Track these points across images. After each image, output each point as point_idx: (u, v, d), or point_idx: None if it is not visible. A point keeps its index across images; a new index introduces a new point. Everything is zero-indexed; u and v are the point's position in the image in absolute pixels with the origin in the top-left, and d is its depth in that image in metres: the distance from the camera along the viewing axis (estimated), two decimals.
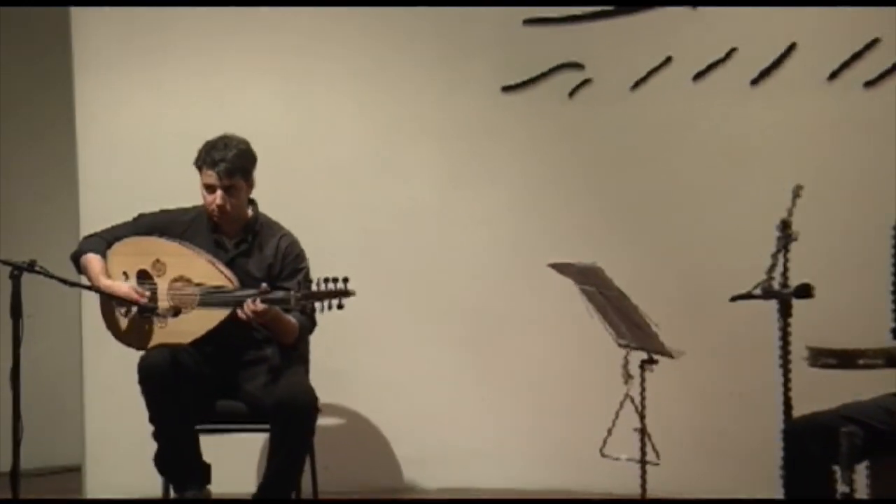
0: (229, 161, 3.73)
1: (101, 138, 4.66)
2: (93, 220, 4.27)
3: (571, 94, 4.57)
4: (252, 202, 3.92)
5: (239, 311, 3.60)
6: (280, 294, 3.60)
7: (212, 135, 3.84)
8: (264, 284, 3.63)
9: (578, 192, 4.59)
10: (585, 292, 3.60)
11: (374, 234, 4.63)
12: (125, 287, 3.74)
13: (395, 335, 4.62)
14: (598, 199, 4.58)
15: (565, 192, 4.60)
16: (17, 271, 3.40)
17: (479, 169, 4.63)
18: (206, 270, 3.72)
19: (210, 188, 3.77)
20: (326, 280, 3.55)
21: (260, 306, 3.58)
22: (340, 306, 3.53)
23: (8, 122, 5.03)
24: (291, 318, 3.71)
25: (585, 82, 4.56)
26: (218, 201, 3.75)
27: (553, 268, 3.60)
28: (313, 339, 3.95)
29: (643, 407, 3.51)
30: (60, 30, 4.67)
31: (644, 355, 3.52)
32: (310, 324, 3.80)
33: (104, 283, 3.75)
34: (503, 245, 4.61)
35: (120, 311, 3.79)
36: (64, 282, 3.53)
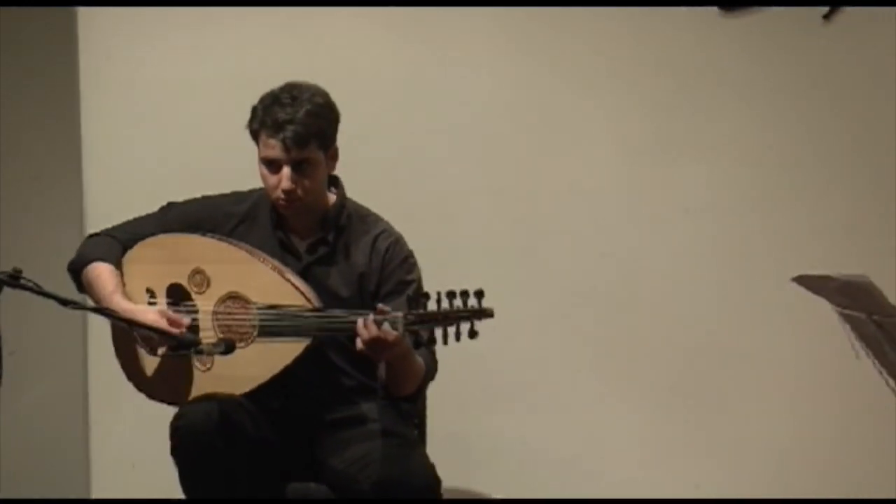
0: (300, 122, 3.72)
1: (114, 93, 4.74)
2: (102, 212, 4.37)
3: (828, 15, 4.52)
4: (335, 183, 3.91)
5: (358, 339, 3.57)
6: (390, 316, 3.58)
7: (273, 83, 3.81)
8: (380, 305, 3.61)
9: (838, 166, 4.57)
10: (849, 319, 3.55)
11: (526, 230, 4.65)
12: (152, 312, 3.72)
13: (559, 382, 4.62)
14: (869, 177, 4.54)
15: (817, 165, 4.57)
16: None
17: (684, 132, 4.61)
18: (272, 284, 3.71)
19: (272, 164, 3.76)
20: (451, 295, 3.48)
21: (392, 333, 3.54)
22: (473, 334, 3.46)
23: None
24: (418, 357, 3.73)
25: None
26: (285, 183, 3.74)
27: (800, 283, 3.58)
28: (429, 388, 3.92)
29: None
30: None
31: None
32: (434, 365, 3.82)
33: (121, 305, 3.74)
34: (722, 247, 4.61)
35: (144, 347, 3.78)
36: (62, 301, 3.50)
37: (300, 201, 3.77)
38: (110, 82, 4.78)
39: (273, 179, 3.76)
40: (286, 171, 3.73)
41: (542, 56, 4.63)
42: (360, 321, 3.55)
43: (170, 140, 4.71)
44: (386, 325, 3.53)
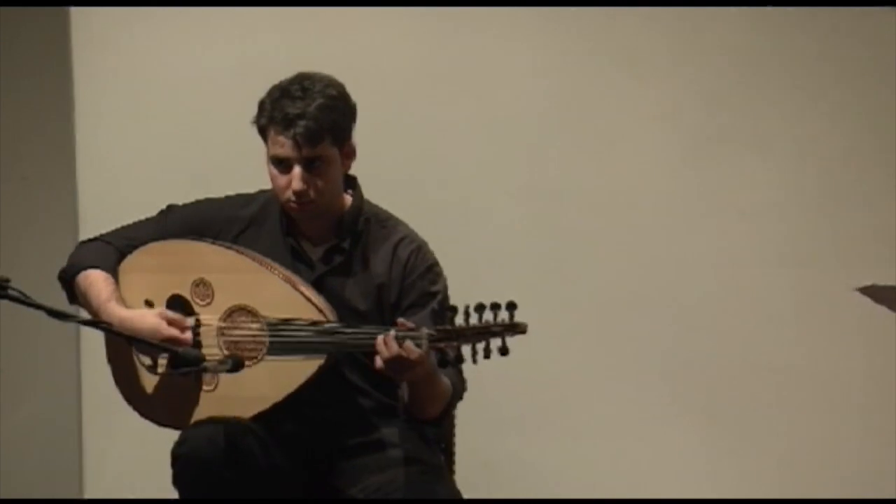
0: (312, 117, 3.66)
1: (110, 89, 4.79)
2: (97, 215, 4.39)
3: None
4: (352, 184, 3.86)
5: (378, 357, 3.53)
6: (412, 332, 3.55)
7: (282, 75, 3.76)
8: (401, 319, 3.58)
9: None
10: None
11: (562, 236, 4.69)
12: (151, 315, 3.69)
13: (599, 404, 4.63)
14: None
15: (887, 166, 4.57)
16: None
17: (739, 127, 4.63)
18: (282, 296, 3.66)
19: (282, 162, 3.70)
20: (480, 308, 3.43)
21: (415, 350, 3.48)
22: (504, 351, 3.42)
23: None
24: (444, 377, 3.68)
25: None
26: (296, 184, 3.68)
27: (866, 293, 3.57)
28: (456, 410, 3.88)
29: None
30: None
31: None
32: (462, 385, 3.77)
33: (117, 312, 3.70)
34: (782, 254, 4.62)
35: (142, 362, 3.74)
36: (54, 314, 3.42)
37: (313, 204, 3.71)
38: (106, 77, 4.84)
39: (283, 180, 3.70)
40: (297, 170, 3.67)
41: (580, 42, 4.65)
42: (379, 337, 3.51)
43: (170, 138, 4.75)
44: (408, 342, 3.49)
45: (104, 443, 4.67)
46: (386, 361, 3.50)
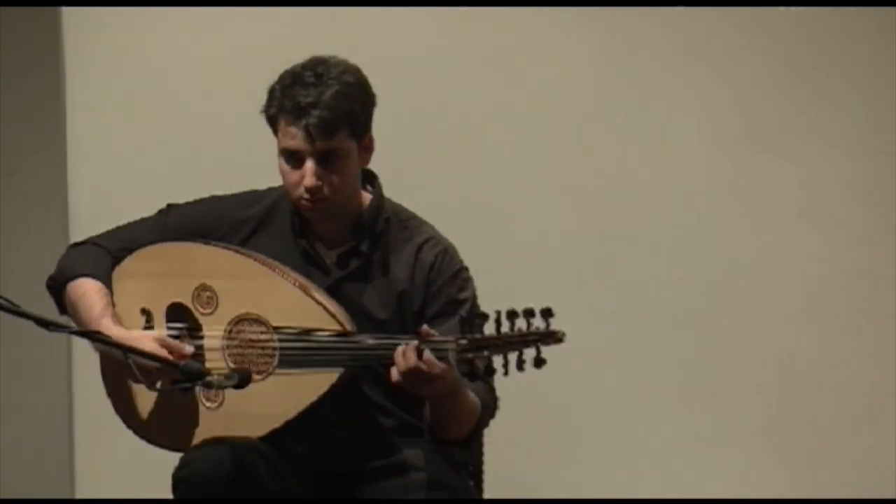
0: (327, 106, 3.57)
1: (104, 76, 4.81)
2: (89, 215, 4.43)
3: None
4: (371, 180, 3.80)
5: (394, 369, 3.44)
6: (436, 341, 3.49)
7: (294, 60, 3.69)
8: (425, 327, 3.50)
9: None
10: None
11: (602, 238, 4.71)
12: (148, 339, 3.59)
13: (641, 421, 4.65)
14: None
15: None
16: None
17: (798, 121, 4.67)
18: (294, 303, 3.60)
19: (293, 156, 3.63)
20: (512, 315, 3.35)
21: (436, 364, 3.39)
22: (539, 362, 3.33)
23: None
24: (471, 393, 3.60)
25: None
26: (308, 180, 3.60)
27: None
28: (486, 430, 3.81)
29: None
30: None
31: None
32: (493, 402, 3.69)
33: (110, 331, 3.62)
34: (845, 257, 4.65)
35: (142, 381, 3.59)
36: (43, 323, 3.35)
37: (327, 202, 3.62)
38: (98, 75, 4.82)
39: (294, 175, 3.61)
40: (310, 164, 3.59)
41: (622, 30, 4.68)
42: (399, 347, 3.45)
43: (166, 136, 4.76)
44: (428, 353, 3.42)
45: (98, 465, 4.69)
46: (403, 374, 3.42)
